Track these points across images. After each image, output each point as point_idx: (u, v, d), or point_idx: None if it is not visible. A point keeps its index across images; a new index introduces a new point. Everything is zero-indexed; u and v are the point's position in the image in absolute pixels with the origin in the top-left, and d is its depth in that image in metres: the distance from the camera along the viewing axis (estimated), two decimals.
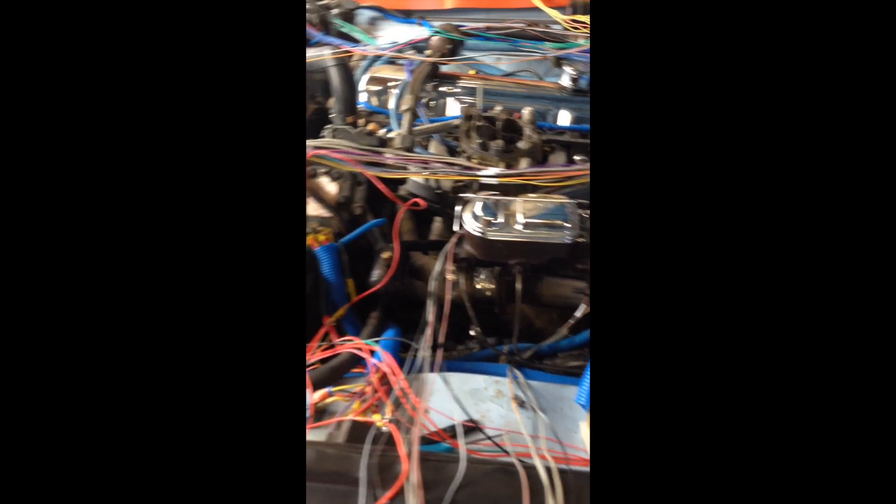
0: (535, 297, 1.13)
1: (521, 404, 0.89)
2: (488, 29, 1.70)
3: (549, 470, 0.65)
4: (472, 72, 1.70)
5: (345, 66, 1.44)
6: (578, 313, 1.07)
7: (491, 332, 1.11)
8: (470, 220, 1.02)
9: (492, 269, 1.10)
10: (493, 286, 1.10)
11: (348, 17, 1.91)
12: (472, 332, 1.08)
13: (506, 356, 1.05)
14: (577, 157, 1.44)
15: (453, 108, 1.62)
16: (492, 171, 1.16)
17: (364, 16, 1.98)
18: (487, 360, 1.06)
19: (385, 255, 1.09)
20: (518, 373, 0.95)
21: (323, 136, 1.24)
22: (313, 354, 0.96)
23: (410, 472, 0.62)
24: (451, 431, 0.83)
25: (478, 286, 1.10)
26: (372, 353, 0.91)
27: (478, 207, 1.01)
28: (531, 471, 0.65)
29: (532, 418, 0.86)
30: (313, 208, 1.16)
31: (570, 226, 1.01)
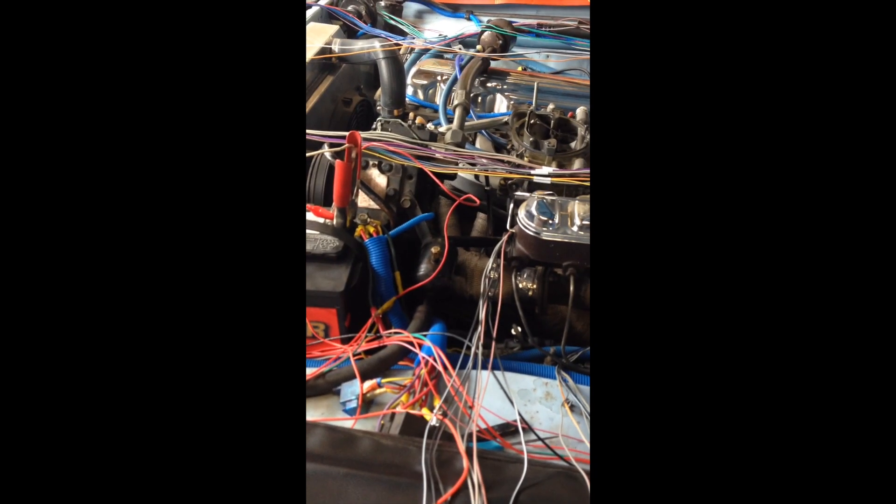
0: (579, 299, 1.11)
1: (572, 408, 0.87)
2: (540, 26, 1.68)
3: None
4: (520, 68, 1.69)
5: (395, 59, 1.43)
6: None
7: (530, 332, 1.10)
8: (524, 218, 1.00)
9: (534, 269, 1.09)
10: (534, 286, 1.08)
11: (396, 9, 1.91)
12: (513, 332, 1.06)
13: (552, 358, 1.03)
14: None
15: (501, 105, 1.61)
16: (545, 170, 1.14)
17: (411, 9, 1.97)
18: (533, 361, 1.05)
19: (434, 249, 1.08)
20: (567, 376, 0.94)
21: (374, 129, 1.23)
22: (361, 345, 0.96)
23: (472, 470, 0.61)
24: (500, 430, 0.82)
25: (520, 286, 1.09)
26: (420, 346, 0.91)
27: (533, 206, 1.00)
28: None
29: (583, 423, 0.84)
30: (362, 200, 1.16)
31: None
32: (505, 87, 1.61)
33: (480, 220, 1.44)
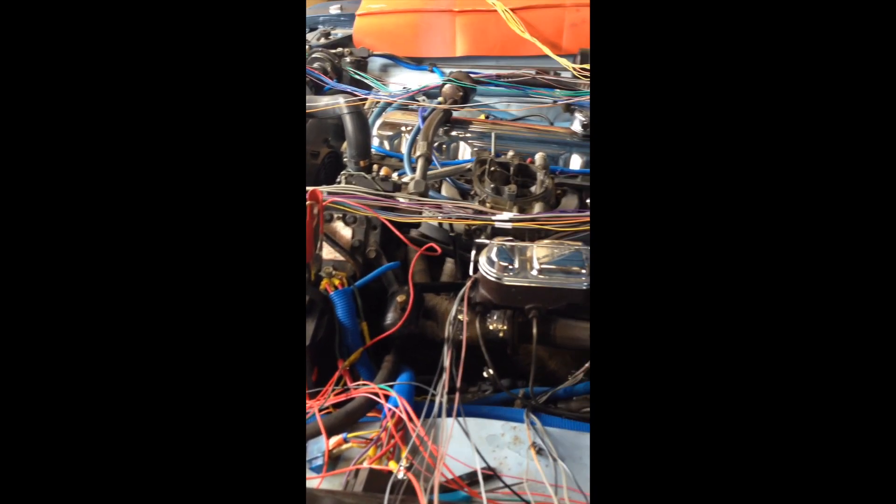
0: (549, 338, 1.13)
1: (539, 451, 0.88)
2: (499, 77, 1.74)
3: None
4: (482, 117, 1.74)
5: (359, 113, 1.48)
6: None
7: (503, 373, 1.10)
8: (485, 264, 1.02)
9: (504, 311, 1.10)
10: (505, 327, 1.10)
11: (361, 64, 1.97)
12: (485, 374, 1.07)
13: (521, 400, 1.04)
14: (589, 201, 1.46)
15: (465, 152, 1.66)
16: (506, 215, 1.17)
17: (377, 63, 2.04)
18: (502, 404, 1.05)
19: (400, 298, 1.10)
20: (535, 419, 0.94)
21: (339, 182, 1.26)
22: (328, 399, 0.96)
23: None
24: (468, 479, 0.81)
25: (490, 327, 1.10)
26: (387, 397, 0.91)
27: (493, 252, 1.02)
28: None
29: (551, 466, 0.84)
30: (328, 252, 1.18)
31: (585, 271, 1.01)
32: (468, 135, 1.66)
33: (449, 264, 1.46)
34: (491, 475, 0.81)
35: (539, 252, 1.02)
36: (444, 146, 1.66)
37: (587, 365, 1.07)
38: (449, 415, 0.86)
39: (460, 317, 1.05)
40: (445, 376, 0.93)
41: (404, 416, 0.84)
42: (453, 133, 1.65)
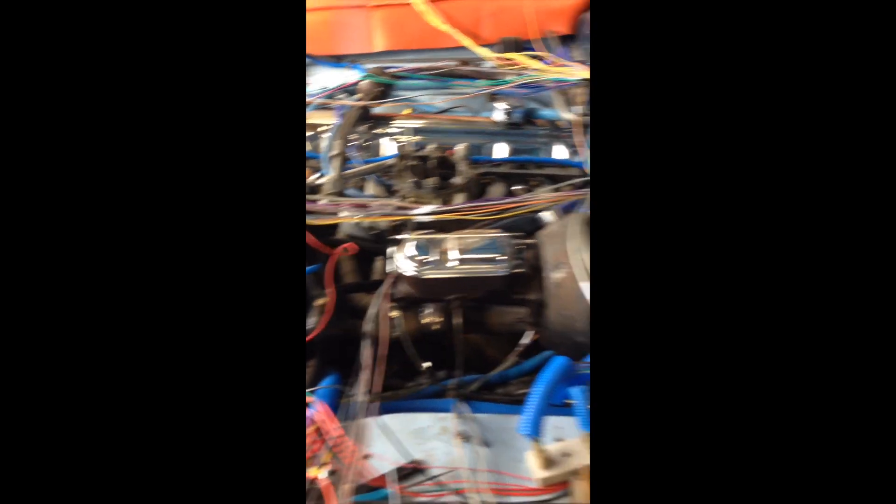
0: (483, 326, 1.13)
1: (467, 439, 0.88)
2: (418, 70, 1.73)
3: None
4: (406, 111, 1.73)
5: None
6: (525, 340, 1.08)
7: (442, 365, 1.10)
8: (403, 260, 1.02)
9: (438, 303, 1.10)
10: (440, 319, 1.09)
11: None
12: (422, 368, 1.06)
13: (453, 390, 1.03)
14: (515, 188, 1.47)
15: (389, 149, 1.64)
16: (426, 208, 1.17)
17: None
18: (434, 397, 1.05)
19: (318, 301, 1.08)
20: (463, 407, 0.94)
21: None
22: None
23: None
24: (391, 477, 0.81)
25: (424, 321, 1.09)
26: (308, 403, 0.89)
27: (410, 248, 1.02)
28: None
29: (480, 453, 0.85)
30: None
31: (504, 257, 1.02)
32: (392, 130, 1.65)
33: (379, 262, 1.45)
34: (415, 468, 0.81)
35: (454, 244, 1.02)
36: (369, 143, 1.64)
37: (518, 349, 1.08)
38: (370, 414, 0.85)
39: (392, 314, 1.04)
40: (365, 375, 0.91)
41: (322, 421, 0.83)
42: (376, 130, 1.64)
